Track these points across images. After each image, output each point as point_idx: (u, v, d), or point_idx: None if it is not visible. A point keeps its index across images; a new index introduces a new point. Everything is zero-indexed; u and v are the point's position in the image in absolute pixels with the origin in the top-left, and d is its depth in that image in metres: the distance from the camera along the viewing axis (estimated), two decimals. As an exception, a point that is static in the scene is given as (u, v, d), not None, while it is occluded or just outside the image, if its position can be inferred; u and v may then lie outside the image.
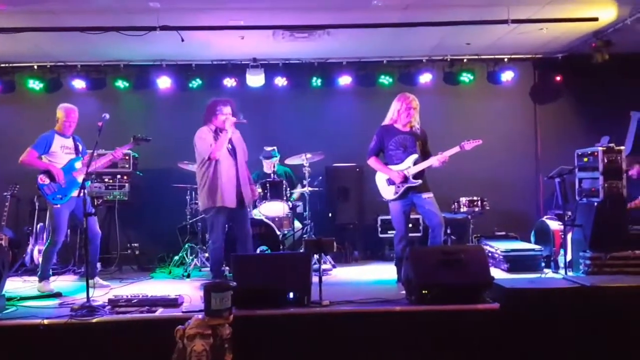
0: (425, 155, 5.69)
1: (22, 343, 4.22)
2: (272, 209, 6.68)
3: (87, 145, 5.91)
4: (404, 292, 4.92)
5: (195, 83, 8.00)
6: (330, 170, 7.84)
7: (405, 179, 5.56)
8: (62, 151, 5.72)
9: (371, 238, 7.88)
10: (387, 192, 5.70)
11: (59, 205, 5.60)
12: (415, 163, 5.58)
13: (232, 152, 5.71)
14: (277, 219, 6.74)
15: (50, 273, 5.86)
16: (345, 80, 8.06)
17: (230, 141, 5.71)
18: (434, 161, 5.57)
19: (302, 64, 8.10)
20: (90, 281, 5.37)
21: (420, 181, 5.58)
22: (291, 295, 4.58)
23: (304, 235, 6.94)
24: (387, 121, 5.76)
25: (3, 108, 7.74)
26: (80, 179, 5.57)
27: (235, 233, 5.82)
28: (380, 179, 5.75)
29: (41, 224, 7.15)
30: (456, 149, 5.59)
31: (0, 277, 4.62)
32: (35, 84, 7.90)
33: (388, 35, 6.86)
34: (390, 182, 5.65)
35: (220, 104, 5.69)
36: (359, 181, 7.71)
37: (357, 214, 7.81)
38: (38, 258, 6.89)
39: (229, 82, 7.94)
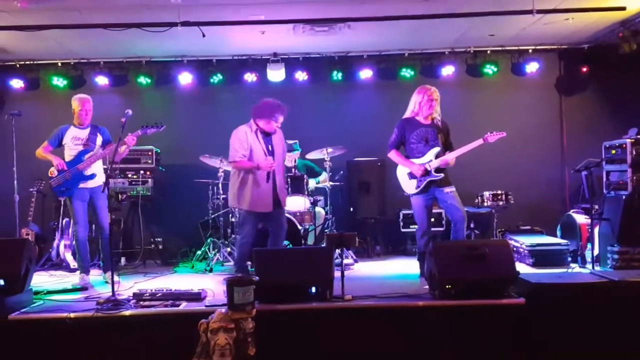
0: (447, 148, 5.63)
1: (49, 336, 4.27)
2: (293, 204, 6.67)
3: (114, 138, 5.88)
4: (427, 287, 4.88)
5: (216, 78, 8.03)
6: (352, 165, 7.81)
7: (427, 173, 5.50)
8: (72, 142, 5.74)
9: (393, 233, 7.85)
10: (409, 186, 5.64)
11: (62, 198, 5.74)
12: (437, 156, 5.52)
13: (271, 154, 5.61)
14: (298, 214, 6.73)
15: (84, 265, 5.83)
16: (366, 73, 8.01)
17: (270, 142, 5.64)
18: (454, 155, 5.50)
19: (322, 58, 8.07)
20: (105, 275, 5.45)
21: (442, 175, 5.51)
22: (313, 289, 4.56)
23: (326, 230, 6.92)
24: (408, 114, 5.70)
25: (28, 105, 7.83)
26: (87, 172, 5.63)
27: (268, 229, 5.77)
28: (402, 172, 5.70)
29: (67, 219, 7.22)
30: (479, 142, 5.51)
31: (27, 271, 4.68)
32: (59, 81, 8.00)
33: (409, 27, 6.79)
34: (412, 176, 5.59)
35: (280, 111, 5.57)
36: (380, 175, 7.67)
37: (378, 209, 7.76)
38: (64, 253, 7.01)
39: (250, 77, 7.95)
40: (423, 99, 5.56)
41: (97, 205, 5.72)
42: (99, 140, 5.83)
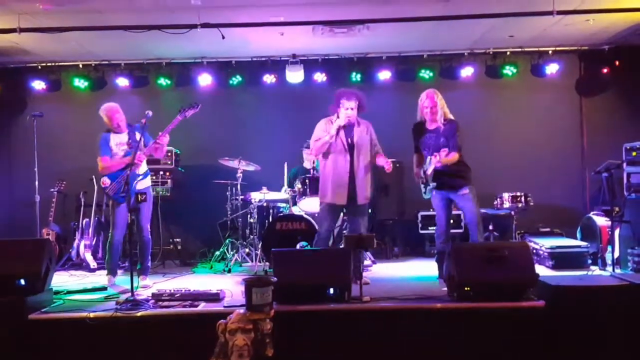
0: (452, 149, 5.25)
1: (69, 335, 4.31)
2: (311, 205, 6.67)
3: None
4: (445, 288, 4.85)
5: (236, 80, 8.07)
6: (370, 166, 7.79)
7: (426, 181, 5.42)
8: (117, 148, 5.68)
9: (411, 234, 7.81)
10: (423, 191, 5.62)
11: (123, 204, 5.50)
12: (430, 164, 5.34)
13: (350, 146, 5.56)
14: (316, 215, 6.72)
15: (113, 268, 5.77)
16: (385, 75, 8.00)
17: (351, 135, 5.58)
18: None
19: (341, 59, 8.08)
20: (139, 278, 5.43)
21: (434, 184, 5.32)
22: (331, 291, 4.56)
23: (344, 231, 6.91)
24: (418, 119, 5.60)
25: (50, 106, 7.93)
26: (139, 170, 5.62)
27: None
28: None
29: (86, 219, 7.31)
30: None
31: (47, 271, 4.73)
32: (80, 83, 8.09)
33: (429, 28, 6.76)
34: (421, 182, 5.58)
35: (344, 96, 5.55)
36: (399, 177, 7.65)
37: (397, 210, 7.75)
38: (84, 253, 7.08)
39: (269, 78, 7.99)
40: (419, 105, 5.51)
41: (140, 207, 5.53)
42: (137, 137, 5.70)
